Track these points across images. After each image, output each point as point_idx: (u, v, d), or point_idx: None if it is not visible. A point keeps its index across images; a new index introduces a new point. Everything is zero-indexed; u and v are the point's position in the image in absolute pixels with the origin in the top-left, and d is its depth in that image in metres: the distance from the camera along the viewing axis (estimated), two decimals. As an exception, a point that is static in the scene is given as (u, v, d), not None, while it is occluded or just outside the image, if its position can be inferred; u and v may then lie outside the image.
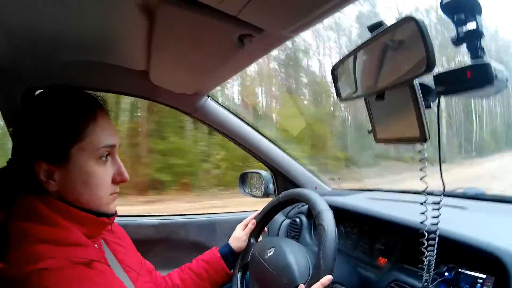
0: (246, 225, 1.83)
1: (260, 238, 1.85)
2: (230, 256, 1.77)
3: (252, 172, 2.71)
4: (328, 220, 1.35)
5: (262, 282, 1.52)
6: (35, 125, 1.14)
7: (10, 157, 1.25)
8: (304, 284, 1.32)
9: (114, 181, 1.24)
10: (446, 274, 1.25)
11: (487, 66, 0.83)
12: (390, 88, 0.98)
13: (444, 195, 1.11)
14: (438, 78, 0.91)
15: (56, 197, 1.15)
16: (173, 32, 1.18)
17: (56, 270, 0.99)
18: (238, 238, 1.80)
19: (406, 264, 1.46)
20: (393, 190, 2.21)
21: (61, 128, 1.12)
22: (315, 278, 1.26)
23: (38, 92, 1.26)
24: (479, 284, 1.17)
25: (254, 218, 1.84)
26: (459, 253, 1.25)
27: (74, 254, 1.06)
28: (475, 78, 0.83)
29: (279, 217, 2.40)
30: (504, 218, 1.53)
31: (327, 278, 1.23)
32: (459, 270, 1.23)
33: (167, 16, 1.07)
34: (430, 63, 0.81)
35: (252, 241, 1.80)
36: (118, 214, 1.32)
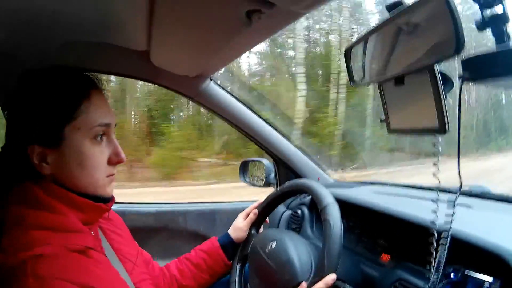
0: (248, 215, 1.79)
1: (261, 229, 1.81)
2: (230, 246, 1.74)
3: (253, 161, 2.68)
4: (334, 215, 1.31)
5: (261, 276, 1.48)
6: (26, 106, 1.12)
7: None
8: (306, 281, 1.28)
9: (110, 162, 1.21)
10: (452, 275, 1.19)
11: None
12: (411, 72, 0.91)
13: (449, 192, 1.07)
14: (466, 62, 0.84)
15: (51, 182, 1.12)
16: (175, 9, 1.14)
17: (51, 257, 0.97)
18: (238, 228, 1.77)
19: (411, 263, 1.41)
20: (399, 184, 2.15)
21: (53, 107, 1.10)
22: (318, 276, 1.22)
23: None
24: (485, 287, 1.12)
25: (256, 208, 1.79)
26: (465, 253, 1.20)
27: (70, 241, 1.04)
28: (509, 63, 0.76)
29: (280, 208, 2.35)
30: None
31: (330, 277, 1.20)
32: (466, 272, 1.18)
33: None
34: (459, 44, 0.74)
35: (253, 231, 1.75)
36: (116, 201, 1.29)
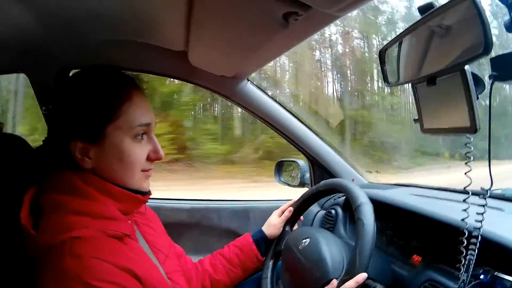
0: (283, 212, 1.82)
1: (295, 227, 1.83)
2: (263, 242, 1.76)
3: (288, 161, 2.68)
4: (368, 215, 1.32)
5: (293, 273, 1.50)
6: (69, 105, 1.16)
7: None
8: (337, 279, 1.29)
9: (149, 159, 1.26)
10: (481, 276, 1.18)
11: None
12: (442, 72, 0.92)
13: (476, 195, 1.06)
14: (495, 61, 0.85)
15: (90, 173, 1.18)
16: (213, 10, 1.16)
17: (89, 240, 1.03)
18: (273, 225, 1.79)
19: (442, 264, 1.40)
20: (433, 187, 2.13)
21: (96, 107, 1.15)
22: (349, 274, 1.23)
23: (72, 72, 1.26)
24: (515, 290, 1.11)
25: (291, 206, 1.82)
26: (495, 255, 1.18)
27: (108, 226, 1.10)
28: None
29: (314, 208, 2.35)
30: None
31: (361, 276, 1.21)
32: (495, 273, 1.17)
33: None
34: (487, 45, 0.76)
35: (287, 229, 1.78)
36: (152, 197, 1.33)
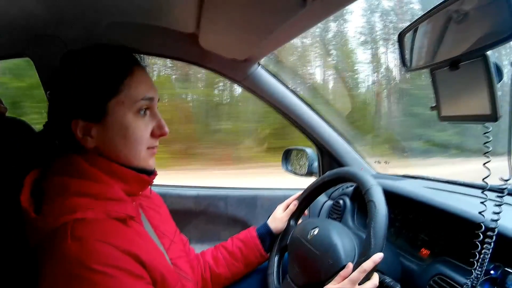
0: (287, 206, 1.80)
1: (300, 221, 1.80)
2: (268, 237, 1.75)
3: (296, 149, 2.65)
4: (378, 196, 1.32)
5: (303, 263, 1.47)
6: (70, 83, 1.15)
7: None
8: (352, 262, 1.27)
9: (154, 135, 1.24)
10: (492, 272, 1.16)
11: None
12: (466, 56, 0.90)
13: (492, 191, 1.04)
14: None
15: (95, 154, 1.16)
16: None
17: (91, 222, 1.01)
18: (278, 219, 1.77)
19: (451, 258, 1.38)
20: (445, 180, 2.10)
21: (96, 82, 1.14)
22: (365, 256, 1.22)
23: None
24: (525, 286, 1.09)
25: (296, 199, 1.79)
26: (507, 250, 1.16)
27: (111, 208, 1.09)
28: None
29: (322, 198, 2.35)
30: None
31: (378, 256, 1.20)
32: (506, 269, 1.15)
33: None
34: None
35: (291, 223, 1.76)
36: (158, 184, 1.31)
